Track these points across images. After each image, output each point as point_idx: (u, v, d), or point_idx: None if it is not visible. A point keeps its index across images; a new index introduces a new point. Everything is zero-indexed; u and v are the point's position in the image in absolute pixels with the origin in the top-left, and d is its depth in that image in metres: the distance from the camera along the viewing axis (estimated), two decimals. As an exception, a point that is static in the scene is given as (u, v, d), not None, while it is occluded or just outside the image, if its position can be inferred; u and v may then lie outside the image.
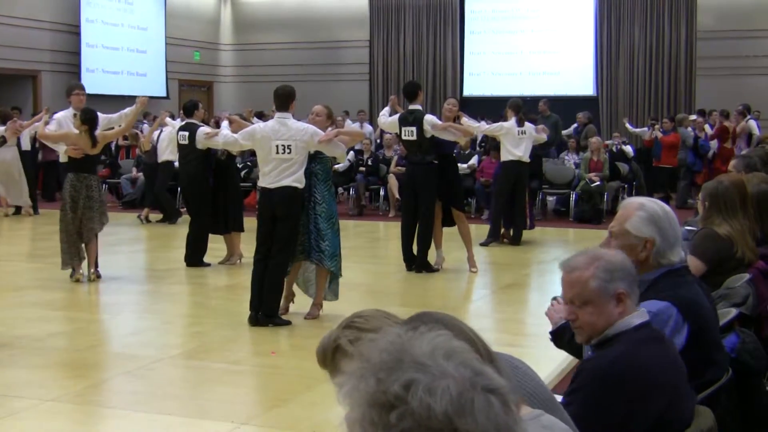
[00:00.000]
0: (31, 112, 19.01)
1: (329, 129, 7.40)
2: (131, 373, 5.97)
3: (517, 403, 1.17)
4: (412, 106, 9.48)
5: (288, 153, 6.95)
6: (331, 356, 2.02)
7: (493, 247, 11.42)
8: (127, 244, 12.20)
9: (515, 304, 8.55)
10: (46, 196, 16.66)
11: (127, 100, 20.30)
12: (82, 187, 8.63)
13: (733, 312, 3.62)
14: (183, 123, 10.38)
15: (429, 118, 9.29)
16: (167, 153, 13.21)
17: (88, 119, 8.78)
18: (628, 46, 21.52)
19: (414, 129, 9.25)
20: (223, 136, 7.82)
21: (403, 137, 9.45)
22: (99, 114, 8.98)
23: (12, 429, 4.92)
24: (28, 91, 19.77)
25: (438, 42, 23.06)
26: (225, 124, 8.47)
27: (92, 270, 8.75)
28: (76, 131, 8.75)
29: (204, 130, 9.69)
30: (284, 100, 7.16)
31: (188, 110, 10.15)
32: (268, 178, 7.04)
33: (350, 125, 19.20)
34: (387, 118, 9.73)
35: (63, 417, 5.15)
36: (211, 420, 5.02)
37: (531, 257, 11.06)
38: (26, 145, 15.25)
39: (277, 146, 6.95)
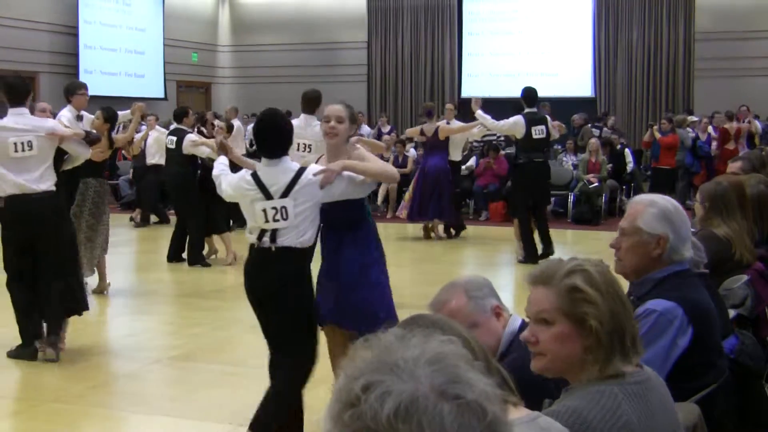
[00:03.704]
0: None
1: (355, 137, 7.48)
2: (129, 375, 5.98)
3: (505, 412, 1.15)
4: (529, 109, 10.07)
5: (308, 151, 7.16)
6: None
7: (491, 245, 11.44)
8: (124, 245, 12.19)
9: (508, 303, 8.55)
10: None
11: (125, 101, 20.29)
12: (105, 192, 8.23)
13: (732, 314, 3.62)
14: (172, 128, 10.58)
15: (548, 118, 10.21)
16: (157, 157, 13.23)
17: (110, 117, 8.33)
18: (626, 47, 21.54)
19: (544, 128, 10.06)
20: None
21: (534, 136, 9.99)
22: None
23: (10, 430, 4.92)
24: (26, 93, 19.75)
25: (436, 43, 23.07)
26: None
27: (108, 281, 8.50)
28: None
29: (191, 137, 9.87)
30: (310, 104, 7.74)
31: (178, 116, 10.50)
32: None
33: (366, 131, 19.12)
34: (505, 121, 10.13)
35: (60, 418, 5.14)
36: (209, 422, 5.02)
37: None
38: None
39: (298, 145, 7.06)
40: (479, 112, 10.19)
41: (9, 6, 18.74)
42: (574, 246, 10.02)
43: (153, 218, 14.19)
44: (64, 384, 5.69)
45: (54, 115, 7.76)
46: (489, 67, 22.68)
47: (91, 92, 21.52)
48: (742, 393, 3.21)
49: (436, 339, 1.18)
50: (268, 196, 4.30)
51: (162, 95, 21.94)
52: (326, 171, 4.32)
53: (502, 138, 17.39)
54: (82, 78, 20.04)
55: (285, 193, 4.28)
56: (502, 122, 10.13)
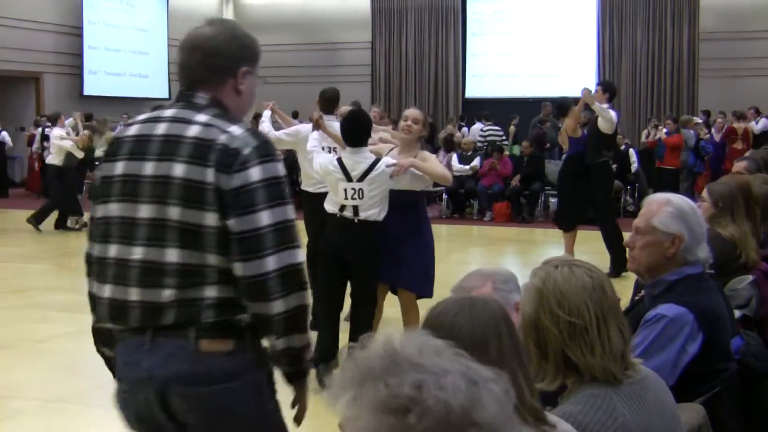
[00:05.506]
0: (33, 114, 19.04)
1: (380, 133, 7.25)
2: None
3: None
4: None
5: (334, 153, 6.81)
6: None
7: (496, 246, 11.43)
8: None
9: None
10: None
11: (129, 101, 20.33)
12: None
13: (737, 314, 3.60)
14: None
15: None
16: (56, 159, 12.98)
17: None
18: (630, 47, 21.51)
19: None
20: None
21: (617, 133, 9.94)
22: None
23: (14, 430, 4.93)
24: (31, 93, 19.80)
25: (440, 44, 23.06)
26: (267, 113, 7.51)
27: None
28: None
29: None
30: (329, 103, 7.13)
31: None
32: (313, 180, 6.74)
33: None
34: (611, 111, 9.29)
35: (65, 418, 5.15)
36: (213, 422, 5.01)
37: (532, 258, 11.06)
38: None
39: (323, 147, 6.77)
40: (597, 104, 9.16)
41: (13, 6, 18.78)
42: (577, 246, 10.00)
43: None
44: (68, 383, 5.69)
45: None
46: (493, 68, 22.66)
47: (95, 93, 21.60)
48: (747, 394, 3.20)
49: (416, 334, 1.20)
50: (349, 178, 5.27)
51: (166, 95, 21.95)
52: (397, 165, 5.30)
53: (506, 139, 17.41)
54: (86, 78, 20.10)
55: (362, 178, 5.26)
56: (611, 112, 9.17)
